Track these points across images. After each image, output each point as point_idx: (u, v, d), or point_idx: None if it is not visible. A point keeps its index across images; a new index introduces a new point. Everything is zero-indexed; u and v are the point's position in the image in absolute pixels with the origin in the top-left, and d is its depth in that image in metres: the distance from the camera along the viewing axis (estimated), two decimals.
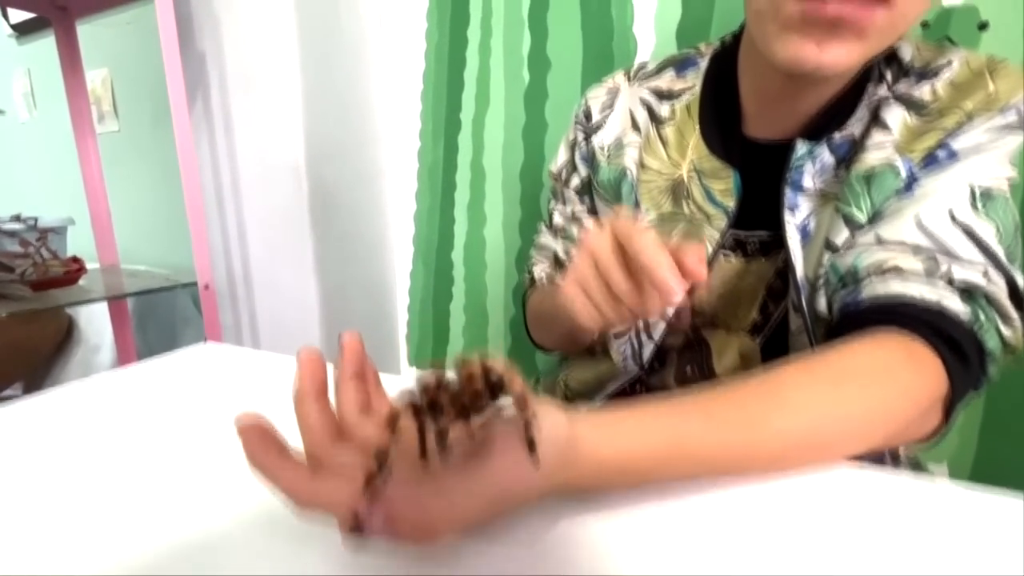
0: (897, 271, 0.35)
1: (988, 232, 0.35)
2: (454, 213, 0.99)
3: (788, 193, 0.42)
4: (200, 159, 1.27)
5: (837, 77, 0.39)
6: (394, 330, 1.10)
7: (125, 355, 1.29)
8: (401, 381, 0.38)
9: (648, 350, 0.51)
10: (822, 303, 0.40)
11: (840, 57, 0.34)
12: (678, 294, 0.27)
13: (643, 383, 0.55)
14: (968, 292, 0.34)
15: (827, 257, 0.40)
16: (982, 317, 0.34)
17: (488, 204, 0.95)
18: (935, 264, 0.34)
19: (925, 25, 0.63)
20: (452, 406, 0.21)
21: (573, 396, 0.59)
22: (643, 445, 0.25)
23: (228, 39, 1.20)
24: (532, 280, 0.61)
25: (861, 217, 0.39)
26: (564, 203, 0.58)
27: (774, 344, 0.48)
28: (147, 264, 1.45)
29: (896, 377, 0.30)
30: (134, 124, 1.53)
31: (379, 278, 1.07)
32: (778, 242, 0.44)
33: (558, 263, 0.60)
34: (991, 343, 0.34)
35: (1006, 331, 0.34)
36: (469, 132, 0.94)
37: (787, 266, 0.43)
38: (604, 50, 0.80)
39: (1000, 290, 0.34)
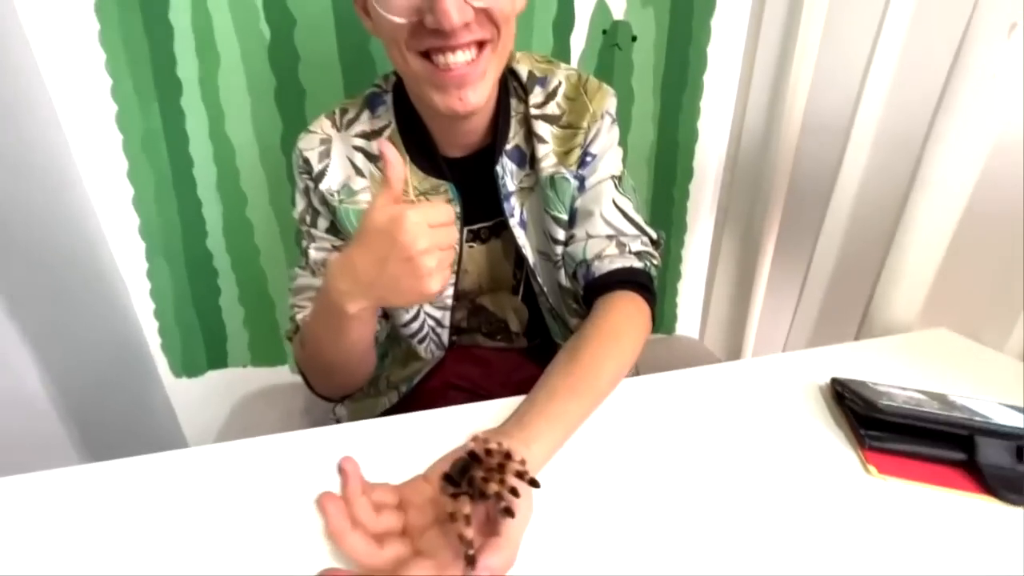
0: (606, 255, 0.56)
1: (630, 207, 0.57)
2: (197, 194, 0.82)
3: (505, 205, 0.56)
4: None
5: (485, 105, 0.51)
6: (139, 344, 0.89)
7: None
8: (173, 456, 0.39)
9: (445, 334, 0.64)
10: (562, 276, 0.60)
11: (477, 97, 0.47)
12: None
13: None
14: (639, 254, 0.58)
15: (559, 249, 0.58)
16: (648, 265, 0.58)
17: (245, 181, 0.83)
18: (622, 245, 0.56)
19: (605, 32, 0.85)
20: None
21: (395, 385, 0.67)
22: (557, 441, 0.41)
23: None
24: (298, 328, 0.58)
25: (562, 214, 0.56)
26: (316, 241, 0.58)
27: (528, 297, 0.66)
28: None
29: (638, 323, 0.52)
30: None
31: (100, 287, 0.82)
32: (502, 225, 0.60)
33: None
34: (654, 276, 0.59)
35: (654, 266, 0.60)
36: (197, 95, 0.76)
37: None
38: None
39: (647, 245, 0.59)
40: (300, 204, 0.59)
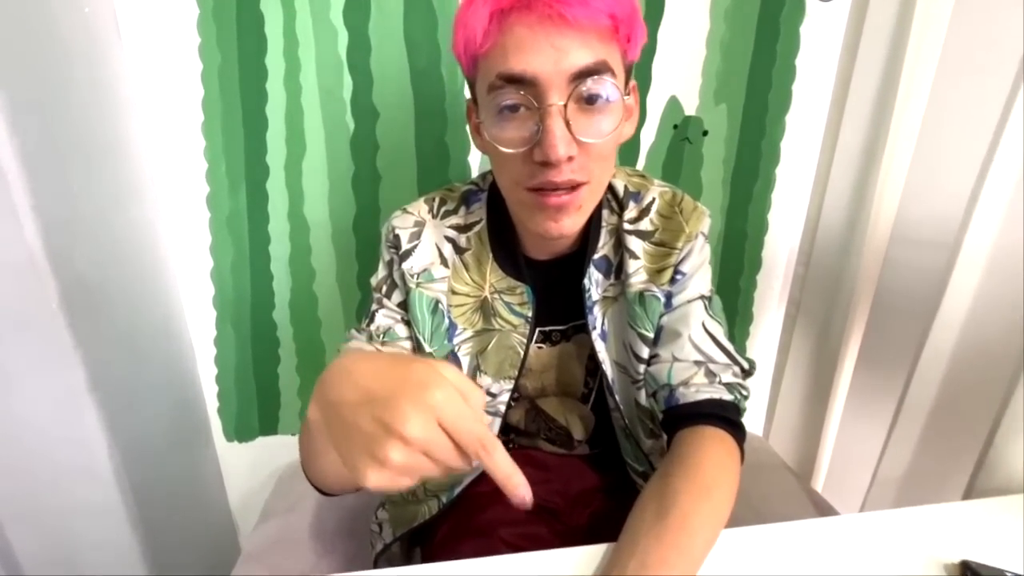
0: (694, 383, 0.52)
1: (721, 332, 0.54)
2: (270, 268, 0.85)
3: (589, 316, 0.54)
4: None
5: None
6: (199, 407, 0.91)
7: None
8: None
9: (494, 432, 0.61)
10: (641, 394, 0.56)
11: (572, 224, 0.46)
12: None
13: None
14: (729, 385, 0.54)
15: (641, 367, 0.55)
16: (738, 397, 0.54)
17: (316, 258, 0.86)
18: (712, 374, 0.53)
19: (676, 127, 0.85)
20: None
21: (434, 493, 0.63)
22: None
23: None
24: None
25: (649, 332, 0.54)
26: (385, 309, 0.58)
27: (598, 406, 0.63)
28: None
29: (731, 471, 0.48)
30: None
31: (170, 351, 0.85)
32: (576, 329, 0.59)
33: None
34: (744, 410, 0.55)
35: (744, 398, 0.56)
36: (281, 179, 0.81)
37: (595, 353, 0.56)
38: (436, 105, 0.79)
39: (739, 376, 0.54)
40: (381, 273, 0.58)
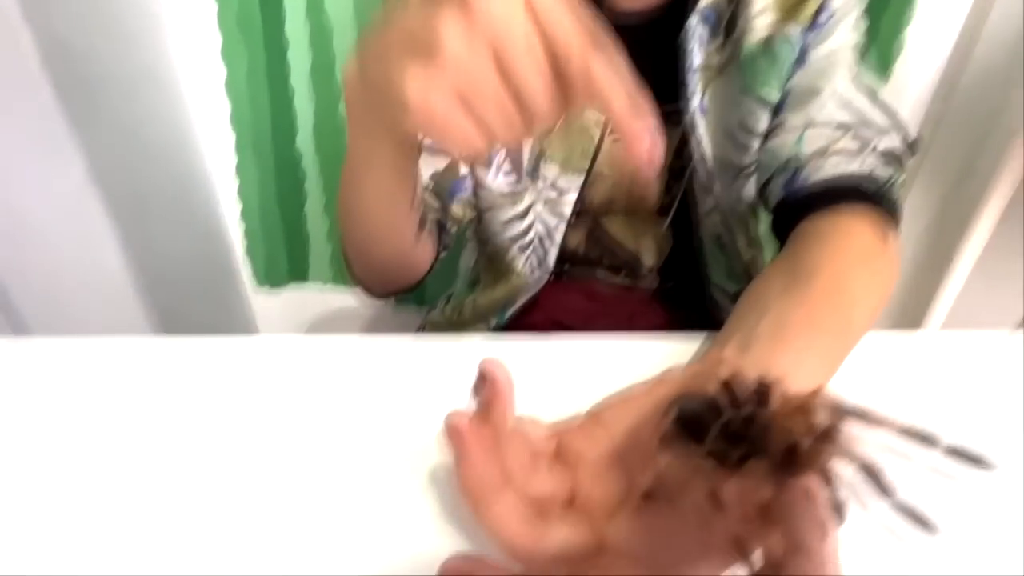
0: (837, 153, 0.38)
1: (878, 86, 0.40)
2: (290, 82, 0.74)
3: (687, 85, 0.41)
4: None
5: None
6: (225, 246, 0.85)
7: None
8: (253, 341, 0.33)
9: (553, 252, 0.50)
10: (748, 188, 0.43)
11: None
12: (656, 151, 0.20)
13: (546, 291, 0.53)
14: (887, 156, 0.39)
15: (754, 144, 0.42)
16: (895, 175, 0.39)
17: (341, 69, 0.73)
18: (864, 141, 0.38)
19: None
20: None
21: (482, 313, 0.54)
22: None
23: None
24: None
25: (774, 95, 0.41)
26: None
27: (681, 222, 0.50)
28: None
29: (890, 256, 0.35)
30: None
31: (187, 175, 0.77)
32: (663, 116, 0.45)
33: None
34: (899, 194, 0.40)
35: (901, 177, 0.41)
36: None
37: (683, 143, 0.44)
38: None
39: (901, 147, 0.40)
40: None
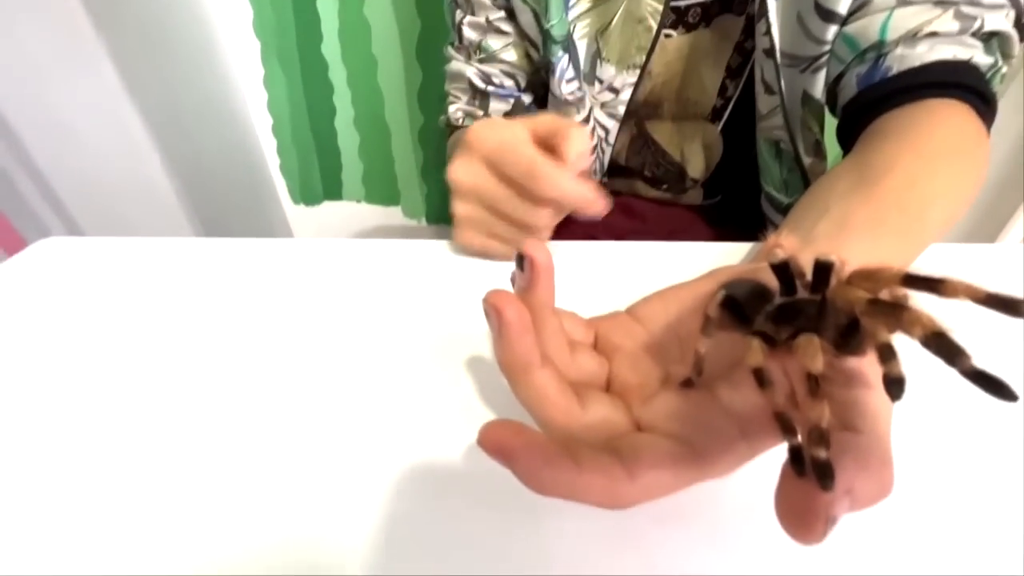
0: (930, 35, 0.33)
1: None
2: None
3: None
4: None
5: None
6: (259, 161, 0.85)
7: None
8: (290, 243, 0.34)
9: (608, 154, 0.49)
10: (817, 84, 0.38)
11: None
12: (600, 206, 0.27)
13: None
14: (992, 39, 0.33)
15: (829, 32, 0.36)
16: (997, 62, 0.34)
17: None
18: (967, 19, 0.32)
19: None
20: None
21: None
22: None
23: None
24: (450, 126, 0.48)
25: None
26: (472, 10, 0.44)
27: (733, 128, 0.46)
28: None
29: (977, 148, 0.30)
30: None
31: (215, 88, 0.76)
32: (722, 7, 0.41)
33: (477, 93, 0.47)
34: (998, 82, 0.35)
35: (1004, 67, 0.35)
36: None
37: (747, 38, 0.41)
38: None
39: (1010, 27, 0.33)
40: None
